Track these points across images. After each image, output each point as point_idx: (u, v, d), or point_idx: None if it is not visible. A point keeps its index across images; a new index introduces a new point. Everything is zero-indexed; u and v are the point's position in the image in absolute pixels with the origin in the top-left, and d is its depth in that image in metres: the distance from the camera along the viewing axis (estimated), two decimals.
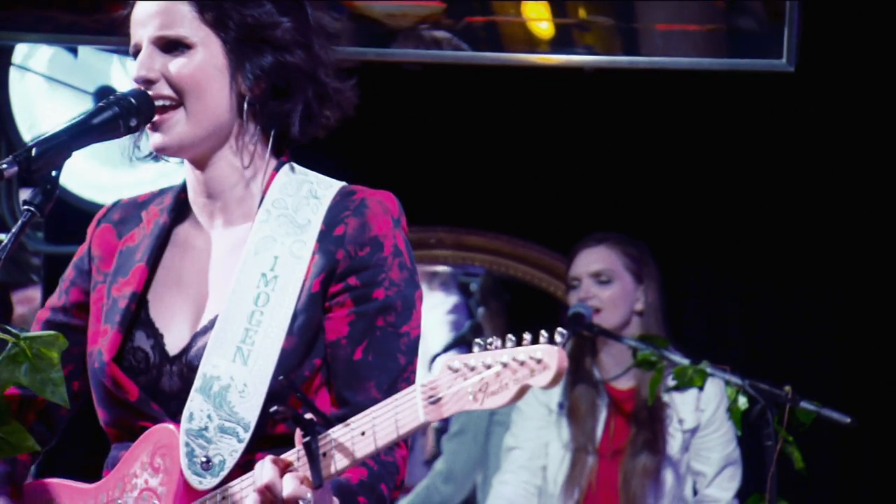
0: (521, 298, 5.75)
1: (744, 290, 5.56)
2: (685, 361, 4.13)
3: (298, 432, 2.11)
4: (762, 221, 5.51)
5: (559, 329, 1.94)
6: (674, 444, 4.39)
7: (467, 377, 1.98)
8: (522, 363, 1.94)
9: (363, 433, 2.06)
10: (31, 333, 2.13)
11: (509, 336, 1.97)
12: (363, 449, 2.07)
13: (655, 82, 5.40)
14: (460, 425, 5.58)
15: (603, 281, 4.44)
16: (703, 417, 4.42)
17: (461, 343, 5.70)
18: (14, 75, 5.47)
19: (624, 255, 4.45)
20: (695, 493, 4.46)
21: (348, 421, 2.09)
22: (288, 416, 2.11)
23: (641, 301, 4.45)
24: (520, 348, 1.95)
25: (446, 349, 5.63)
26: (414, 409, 2.03)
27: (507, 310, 5.88)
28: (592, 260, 4.45)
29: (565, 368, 1.93)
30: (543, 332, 1.95)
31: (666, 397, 4.34)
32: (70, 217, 4.73)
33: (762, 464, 3.94)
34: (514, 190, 5.54)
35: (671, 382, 4.16)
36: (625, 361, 4.39)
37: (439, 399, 2.00)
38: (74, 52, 5.42)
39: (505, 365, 1.95)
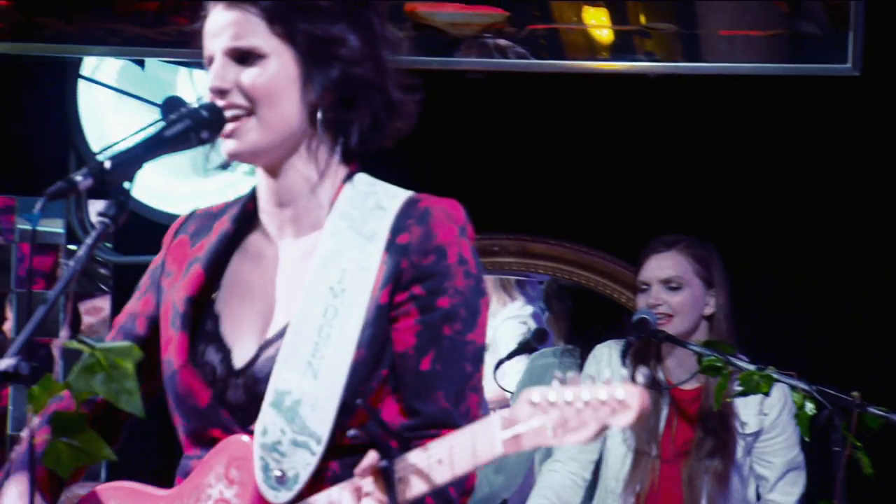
0: (585, 305, 5.74)
1: (810, 295, 5.53)
2: (751, 367, 4.10)
3: (375, 456, 2.12)
4: (827, 226, 5.49)
5: (641, 368, 1.99)
6: (737, 448, 4.38)
7: (547, 412, 1.99)
8: (604, 402, 1.96)
9: (440, 461, 2.09)
10: (107, 344, 2.15)
11: (589, 375, 2.00)
12: (440, 476, 2.09)
13: (718, 88, 5.39)
14: None
15: (672, 287, 4.41)
16: (766, 421, 4.39)
17: (525, 349, 5.69)
18: (83, 88, 5.52)
19: (694, 261, 4.43)
20: (758, 497, 4.44)
21: (427, 446, 2.11)
22: (366, 440, 2.14)
23: (711, 305, 4.43)
24: (601, 387, 1.97)
25: (510, 356, 5.63)
26: (492, 440, 2.04)
27: (570, 315, 5.87)
28: (662, 266, 4.43)
29: (647, 409, 1.95)
30: (623, 372, 1.98)
31: (729, 400, 4.32)
32: (138, 227, 4.77)
33: (830, 469, 3.92)
34: (577, 197, 5.53)
35: (737, 388, 4.14)
36: (690, 366, 4.36)
37: (518, 431, 2.02)
38: (142, 64, 5.47)
39: (586, 403, 1.97)
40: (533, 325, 6.25)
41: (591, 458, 4.45)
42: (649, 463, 4.36)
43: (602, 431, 1.97)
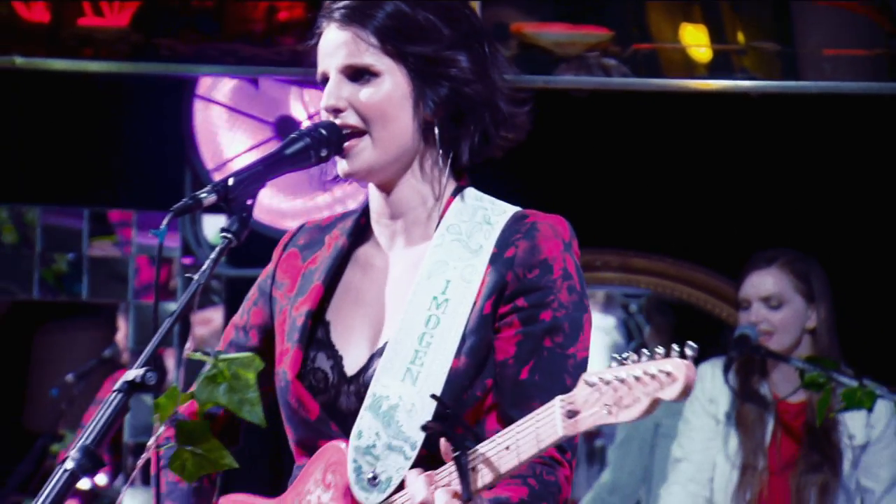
0: (685, 320, 5.74)
1: None
2: (854, 383, 4.09)
3: (447, 446, 2.16)
4: None
5: (689, 343, 1.97)
6: (844, 461, 4.35)
7: (602, 391, 2.01)
8: (653, 376, 1.96)
9: (507, 447, 2.11)
10: (229, 355, 2.17)
11: (644, 350, 2.00)
12: (507, 463, 2.11)
13: (817, 105, 5.38)
14: (626, 434, 5.52)
15: (773, 305, 4.39)
16: (872, 434, 4.36)
17: None
18: (198, 106, 5.64)
19: (795, 277, 4.40)
20: None
21: (494, 436, 2.15)
22: (438, 431, 2.16)
23: (813, 319, 4.41)
24: (651, 362, 1.98)
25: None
26: (553, 423, 2.07)
27: (671, 329, 5.87)
28: (763, 284, 4.41)
29: (693, 381, 1.95)
30: (675, 346, 1.97)
31: (832, 416, 4.30)
32: (250, 241, 4.87)
33: None
34: (678, 213, 5.55)
35: (840, 403, 4.13)
36: (794, 380, 4.34)
37: (577, 413, 2.04)
38: (255, 83, 5.58)
39: (637, 378, 1.98)
40: (618, 336, 6.26)
41: (707, 477, 4.42)
42: (757, 475, 4.34)
43: (654, 406, 1.97)
